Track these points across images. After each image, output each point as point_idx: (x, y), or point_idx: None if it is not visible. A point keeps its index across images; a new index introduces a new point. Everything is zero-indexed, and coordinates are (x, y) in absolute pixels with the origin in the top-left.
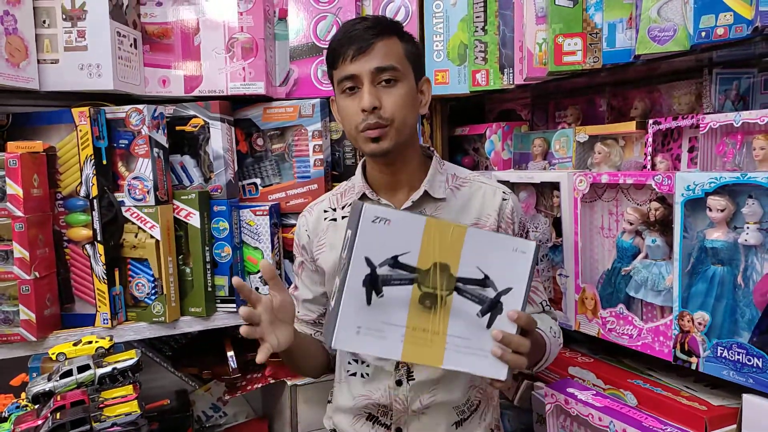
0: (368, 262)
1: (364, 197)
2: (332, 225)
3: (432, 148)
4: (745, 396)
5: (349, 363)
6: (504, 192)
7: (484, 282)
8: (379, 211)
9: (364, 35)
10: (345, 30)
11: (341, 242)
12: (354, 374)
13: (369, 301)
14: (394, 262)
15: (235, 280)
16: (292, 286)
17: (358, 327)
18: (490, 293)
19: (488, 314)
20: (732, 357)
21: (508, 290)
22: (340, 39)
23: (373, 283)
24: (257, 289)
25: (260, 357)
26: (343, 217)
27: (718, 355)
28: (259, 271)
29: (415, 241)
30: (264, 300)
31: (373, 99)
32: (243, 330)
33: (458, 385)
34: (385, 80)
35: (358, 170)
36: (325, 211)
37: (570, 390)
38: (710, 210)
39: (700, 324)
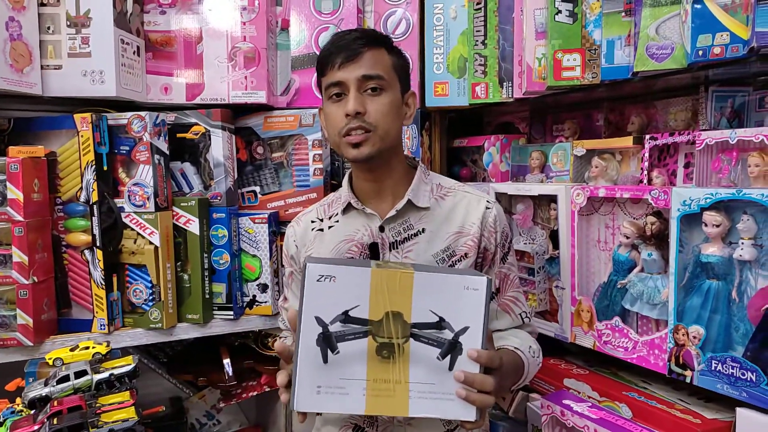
0: (319, 321)
1: (349, 206)
2: (319, 235)
3: (417, 159)
4: (738, 410)
5: None
6: (488, 201)
7: (440, 324)
8: (323, 269)
9: (353, 44)
10: (335, 39)
11: (327, 251)
12: None
13: (325, 360)
14: (346, 317)
15: (278, 345)
16: (282, 297)
17: (318, 387)
18: (448, 335)
19: (448, 356)
20: (726, 371)
21: (465, 329)
22: (330, 47)
23: (327, 341)
24: (254, 296)
25: (301, 418)
26: (329, 227)
27: (713, 368)
28: (256, 279)
29: (364, 293)
30: None
31: (358, 104)
32: (284, 398)
33: None
34: (371, 88)
35: (345, 180)
36: (312, 222)
37: (566, 402)
38: (706, 225)
39: (694, 338)
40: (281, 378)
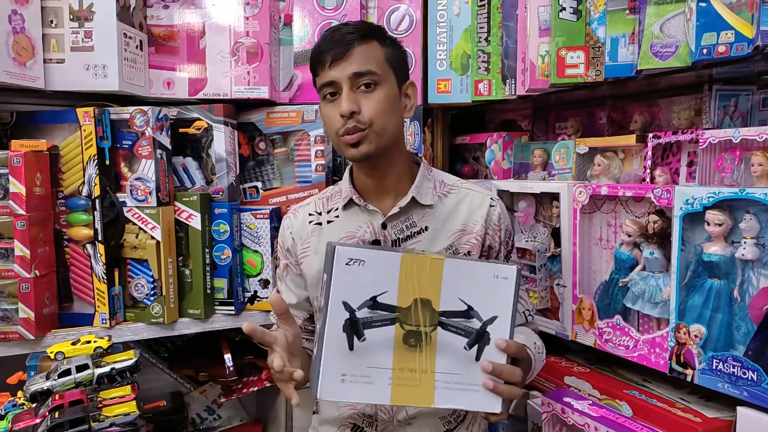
0: (346, 306)
1: (351, 202)
2: (317, 229)
3: (420, 155)
4: (739, 409)
5: None
6: (491, 199)
7: (468, 313)
8: (353, 252)
9: (342, 40)
10: (325, 37)
11: (325, 248)
12: None
13: (351, 347)
14: (374, 303)
15: (246, 326)
16: (275, 290)
17: (343, 375)
18: (476, 324)
19: (476, 346)
20: (727, 370)
21: (493, 319)
22: (320, 46)
23: (354, 328)
24: (255, 293)
25: (296, 401)
26: (328, 222)
27: (714, 367)
28: (257, 275)
29: (393, 278)
30: (279, 340)
31: (351, 104)
32: (283, 388)
33: None
34: (364, 84)
35: (346, 175)
36: (310, 215)
37: (566, 399)
38: (708, 224)
39: (696, 336)
40: (279, 366)
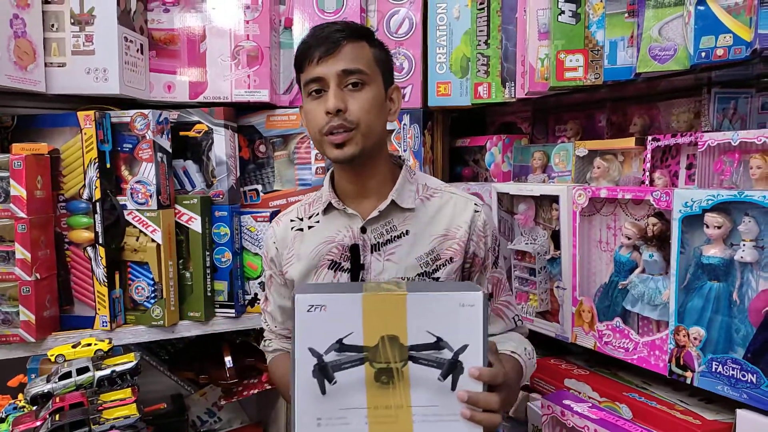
0: (313, 352)
1: (330, 206)
2: (299, 235)
3: (403, 158)
4: (739, 411)
5: None
6: (476, 204)
7: (438, 344)
8: (313, 299)
9: (332, 38)
10: (313, 33)
11: (307, 252)
12: None
13: (323, 391)
14: (340, 346)
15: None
16: (263, 298)
17: (318, 419)
18: (447, 354)
19: (450, 376)
20: (726, 372)
21: (464, 347)
22: (308, 41)
23: (323, 372)
24: (255, 295)
25: None
26: (309, 227)
27: (713, 370)
28: (258, 277)
29: (356, 320)
30: None
31: (339, 101)
32: None
33: None
34: (351, 83)
35: (326, 179)
36: (292, 221)
37: (566, 402)
38: (707, 227)
39: (695, 339)
40: None
